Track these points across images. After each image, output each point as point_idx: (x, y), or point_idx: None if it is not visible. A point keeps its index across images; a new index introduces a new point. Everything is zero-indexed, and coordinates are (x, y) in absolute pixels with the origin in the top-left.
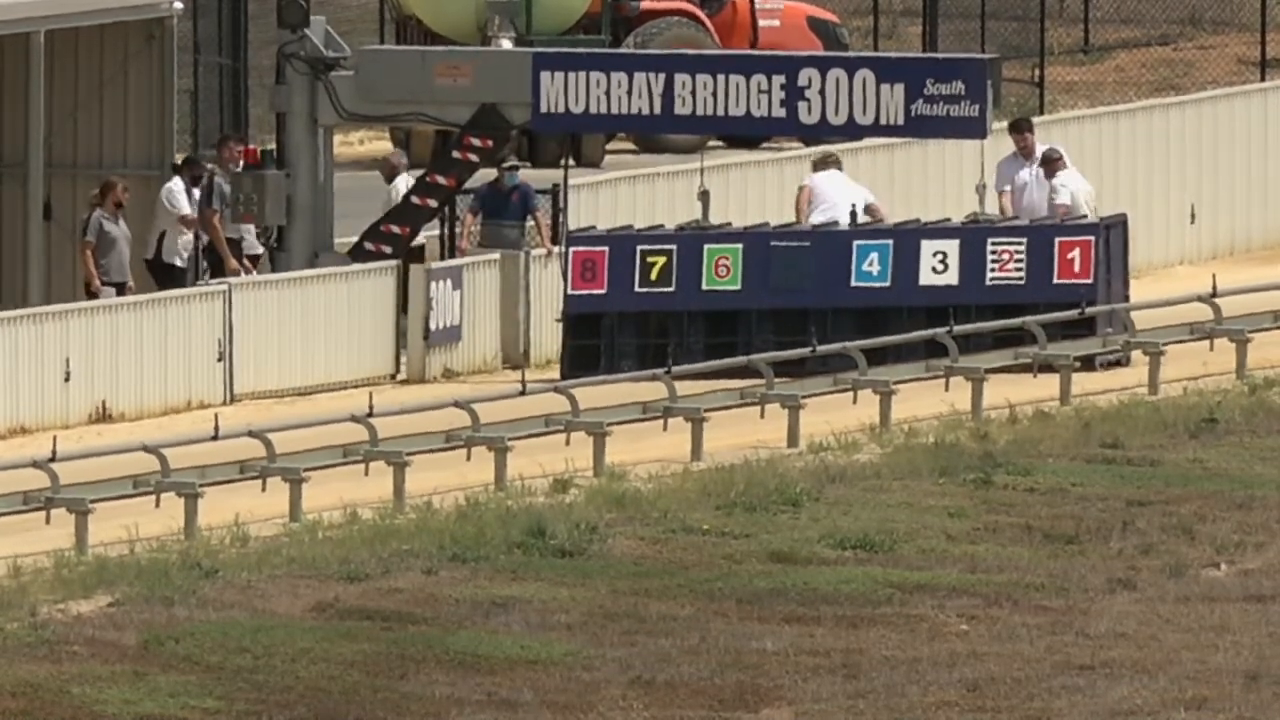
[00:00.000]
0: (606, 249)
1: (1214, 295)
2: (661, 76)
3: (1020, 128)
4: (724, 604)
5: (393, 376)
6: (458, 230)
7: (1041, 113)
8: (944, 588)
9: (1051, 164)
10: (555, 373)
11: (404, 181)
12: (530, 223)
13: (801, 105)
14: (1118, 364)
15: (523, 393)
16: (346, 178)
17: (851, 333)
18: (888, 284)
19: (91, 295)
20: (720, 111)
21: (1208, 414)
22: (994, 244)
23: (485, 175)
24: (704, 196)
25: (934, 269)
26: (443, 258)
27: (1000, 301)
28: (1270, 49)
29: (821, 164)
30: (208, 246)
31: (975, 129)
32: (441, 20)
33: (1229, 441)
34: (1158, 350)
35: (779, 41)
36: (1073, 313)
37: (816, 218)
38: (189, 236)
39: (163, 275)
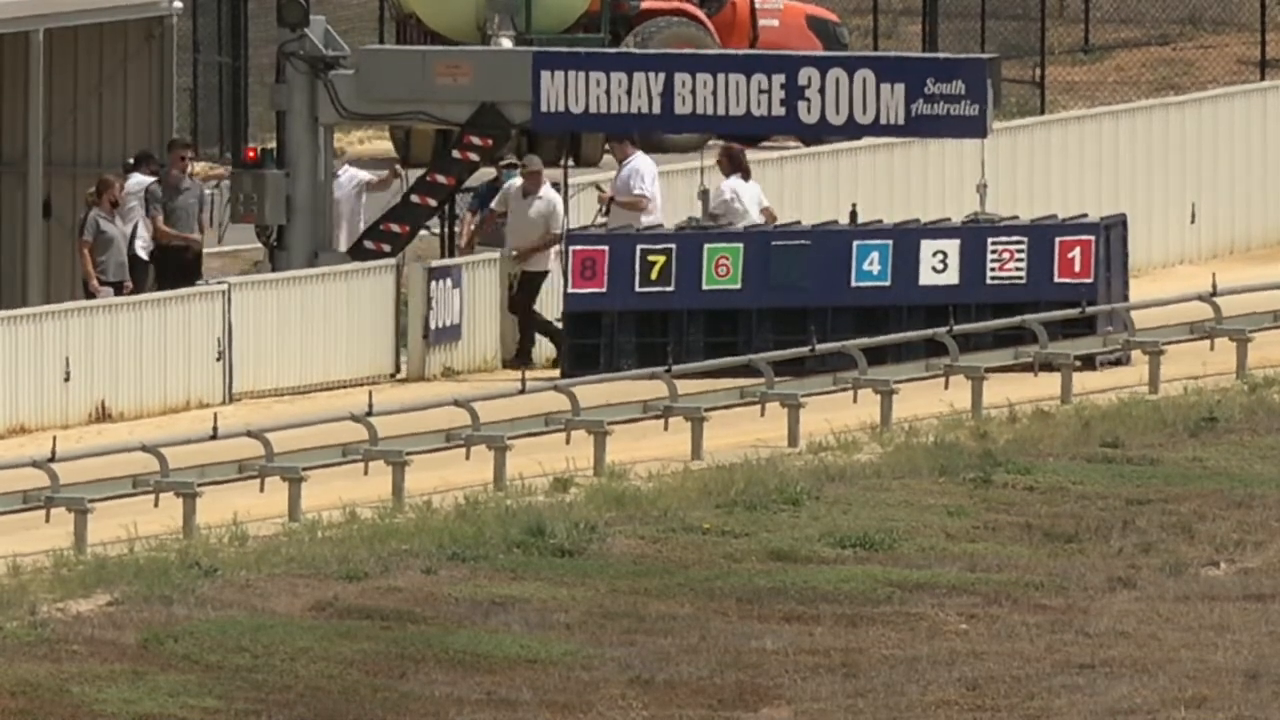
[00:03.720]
0: (606, 248)
1: (1214, 294)
2: (661, 76)
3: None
4: (724, 603)
5: (392, 375)
6: (457, 229)
7: (1042, 112)
8: (944, 586)
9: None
10: (555, 371)
11: None
12: None
13: (801, 105)
14: (1118, 363)
15: (522, 391)
16: None
17: (851, 332)
18: (888, 283)
19: (90, 294)
20: (720, 111)
21: (1208, 413)
22: (994, 243)
23: (485, 174)
24: (704, 196)
25: (934, 268)
26: (442, 256)
27: (1000, 301)
28: (1270, 49)
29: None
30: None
31: (975, 128)
32: (441, 19)
33: (1229, 440)
34: (1158, 349)
35: (779, 41)
36: (1073, 312)
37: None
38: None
39: (137, 270)
